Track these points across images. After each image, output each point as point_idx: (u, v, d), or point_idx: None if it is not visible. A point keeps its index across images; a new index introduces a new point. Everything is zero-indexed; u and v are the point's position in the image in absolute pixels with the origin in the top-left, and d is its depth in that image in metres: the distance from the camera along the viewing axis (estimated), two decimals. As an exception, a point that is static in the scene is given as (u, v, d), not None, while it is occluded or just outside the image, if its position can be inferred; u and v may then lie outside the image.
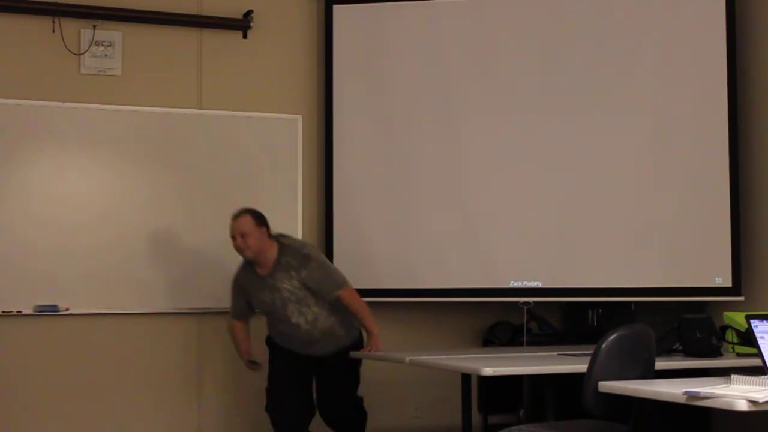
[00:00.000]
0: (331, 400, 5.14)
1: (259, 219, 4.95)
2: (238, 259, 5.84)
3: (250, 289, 5.02)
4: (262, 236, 4.92)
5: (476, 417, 5.50)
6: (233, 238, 4.92)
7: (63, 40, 5.46)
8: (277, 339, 5.11)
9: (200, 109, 5.78)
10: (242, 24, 5.84)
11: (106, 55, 5.59)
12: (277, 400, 5.08)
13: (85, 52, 5.54)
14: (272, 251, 4.93)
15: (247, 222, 4.91)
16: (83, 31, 5.54)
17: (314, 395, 5.17)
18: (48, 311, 5.36)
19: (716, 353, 4.45)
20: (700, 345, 4.43)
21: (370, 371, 5.77)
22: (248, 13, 5.84)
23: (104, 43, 5.59)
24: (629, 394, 3.34)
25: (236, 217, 4.94)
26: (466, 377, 4.43)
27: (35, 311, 5.36)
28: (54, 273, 5.40)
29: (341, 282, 5.00)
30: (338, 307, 4.99)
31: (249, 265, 5.00)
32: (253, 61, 5.90)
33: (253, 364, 5.19)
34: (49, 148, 5.48)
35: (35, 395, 5.38)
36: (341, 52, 5.93)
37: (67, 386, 5.45)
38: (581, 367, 3.65)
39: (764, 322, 3.31)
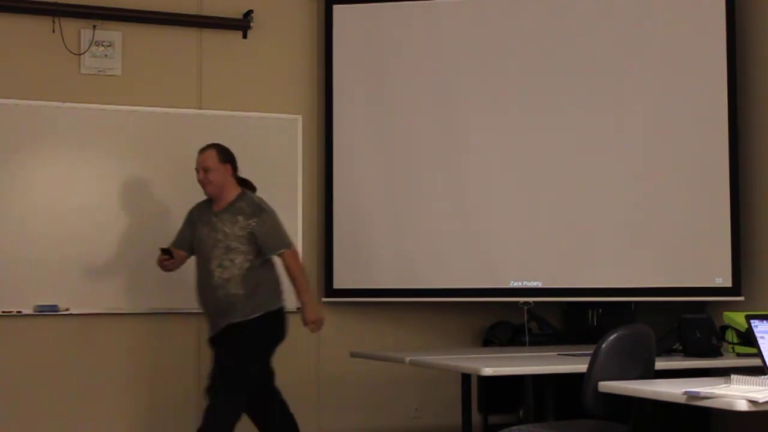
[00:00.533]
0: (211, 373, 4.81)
1: (224, 155, 4.84)
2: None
3: (198, 220, 4.90)
4: (225, 173, 4.81)
5: (476, 417, 5.50)
6: (197, 171, 4.83)
7: (63, 40, 5.46)
8: (197, 296, 4.88)
9: (200, 109, 5.78)
10: (242, 24, 5.84)
11: (106, 55, 5.59)
12: None
13: (85, 52, 5.54)
14: (232, 193, 4.83)
15: (211, 157, 4.81)
16: (83, 31, 5.55)
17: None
18: (48, 311, 5.36)
19: (716, 353, 4.45)
20: (700, 345, 4.43)
21: (370, 371, 5.78)
22: (248, 13, 5.84)
23: (104, 43, 5.59)
24: (629, 394, 3.34)
25: (202, 150, 4.85)
26: (466, 377, 4.43)
27: (35, 311, 5.36)
28: (54, 273, 5.40)
29: (289, 243, 4.85)
30: (259, 280, 4.75)
31: (209, 201, 4.89)
32: (253, 61, 5.90)
33: (165, 253, 4.88)
34: (49, 148, 5.48)
35: (35, 395, 5.38)
36: (341, 52, 5.93)
37: (67, 386, 5.44)
38: (581, 367, 3.65)
39: (764, 322, 3.31)
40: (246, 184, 4.97)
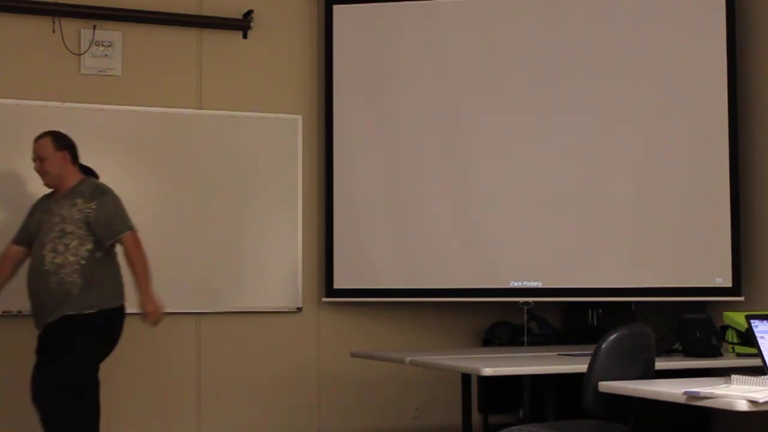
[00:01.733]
0: (37, 372, 4.47)
1: (60, 141, 4.56)
2: (237, 260, 5.85)
3: (37, 210, 4.62)
4: (63, 161, 4.54)
5: (476, 417, 5.50)
6: (33, 161, 4.59)
7: (63, 40, 5.46)
8: (27, 287, 4.58)
9: (200, 109, 5.78)
10: (242, 24, 5.85)
11: (106, 55, 5.59)
12: None
13: (85, 52, 5.54)
14: (73, 180, 4.56)
15: (46, 145, 4.54)
16: (83, 31, 5.55)
17: None
18: (48, 311, 5.36)
19: (716, 353, 4.45)
20: (700, 345, 4.43)
21: (370, 371, 5.78)
22: (248, 13, 5.84)
23: (104, 43, 5.59)
24: (629, 394, 3.34)
25: (37, 139, 4.58)
26: (466, 377, 4.44)
27: (35, 311, 5.36)
28: (54, 273, 5.39)
29: (133, 226, 4.53)
30: (98, 272, 4.46)
31: (53, 192, 4.65)
32: (253, 61, 5.90)
33: None
34: (49, 148, 5.48)
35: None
36: (341, 52, 5.93)
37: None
38: (581, 367, 3.65)
39: (764, 322, 3.31)
40: (89, 173, 4.69)
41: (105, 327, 4.53)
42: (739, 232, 5.58)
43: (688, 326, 4.47)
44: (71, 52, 5.51)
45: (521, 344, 5.63)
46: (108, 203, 4.52)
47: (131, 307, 5.55)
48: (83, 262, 4.45)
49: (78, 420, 4.43)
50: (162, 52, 5.73)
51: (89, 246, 4.46)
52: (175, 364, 5.65)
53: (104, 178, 5.54)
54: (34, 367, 4.53)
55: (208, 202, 5.71)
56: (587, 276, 5.68)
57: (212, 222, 5.70)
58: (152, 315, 4.55)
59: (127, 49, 5.64)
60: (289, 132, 5.92)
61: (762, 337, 3.28)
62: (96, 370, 4.55)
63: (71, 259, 4.42)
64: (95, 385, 4.54)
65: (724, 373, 3.71)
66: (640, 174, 5.70)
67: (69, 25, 5.49)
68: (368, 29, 5.96)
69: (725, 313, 4.63)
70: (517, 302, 5.63)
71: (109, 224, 4.48)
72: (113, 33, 5.61)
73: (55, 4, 5.44)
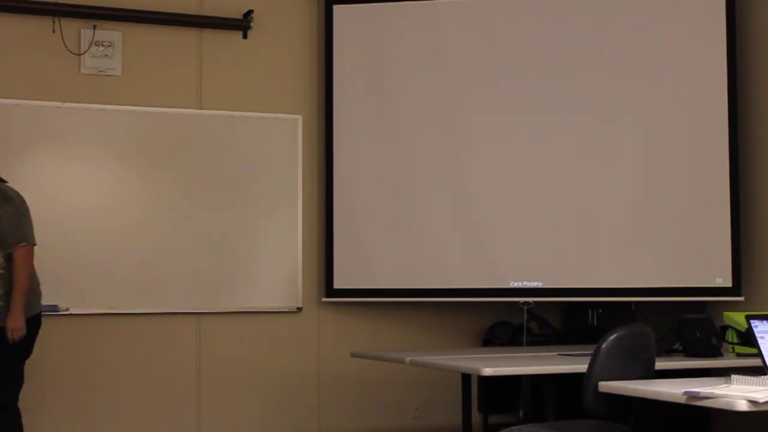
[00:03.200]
0: None
1: None
2: (237, 260, 5.85)
3: None
4: None
5: (476, 417, 5.50)
6: None
7: (63, 40, 5.46)
8: None
9: (200, 109, 5.78)
10: (242, 24, 5.85)
11: (106, 55, 5.59)
12: None
13: (85, 52, 5.54)
14: None
15: None
16: (83, 31, 5.55)
17: None
18: (48, 311, 5.34)
19: (716, 353, 4.45)
20: (700, 345, 4.43)
21: (370, 371, 5.79)
22: (248, 13, 5.84)
23: (104, 43, 5.59)
24: (629, 394, 3.34)
25: None
26: (466, 377, 4.43)
27: (35, 311, 5.35)
28: (54, 273, 5.38)
29: (30, 239, 4.47)
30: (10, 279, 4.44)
31: None
32: (253, 61, 5.90)
33: None
34: (48, 149, 5.48)
35: (34, 395, 5.37)
36: (341, 52, 5.93)
37: (67, 386, 5.45)
38: (581, 367, 3.65)
39: (764, 322, 3.31)
40: None
41: (30, 336, 4.50)
42: (739, 232, 5.59)
43: (688, 326, 4.47)
44: (71, 52, 5.51)
45: (521, 344, 5.62)
46: (9, 213, 4.44)
47: (133, 307, 5.58)
48: (2, 271, 4.41)
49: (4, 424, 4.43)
50: (162, 52, 5.73)
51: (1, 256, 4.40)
52: (175, 364, 5.65)
53: (104, 178, 5.56)
54: None
55: (207, 202, 5.71)
56: (587, 276, 5.69)
57: (212, 222, 5.70)
58: (13, 331, 4.41)
59: (127, 49, 5.64)
60: (289, 132, 5.92)
61: (762, 337, 3.28)
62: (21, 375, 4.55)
63: None
64: (18, 386, 4.55)
65: (724, 373, 3.71)
66: (640, 174, 5.70)
67: (69, 25, 5.49)
68: (368, 29, 5.96)
69: (725, 313, 4.63)
70: (517, 302, 5.63)
71: (6, 234, 4.41)
72: (113, 33, 5.60)
73: (55, 4, 5.44)
